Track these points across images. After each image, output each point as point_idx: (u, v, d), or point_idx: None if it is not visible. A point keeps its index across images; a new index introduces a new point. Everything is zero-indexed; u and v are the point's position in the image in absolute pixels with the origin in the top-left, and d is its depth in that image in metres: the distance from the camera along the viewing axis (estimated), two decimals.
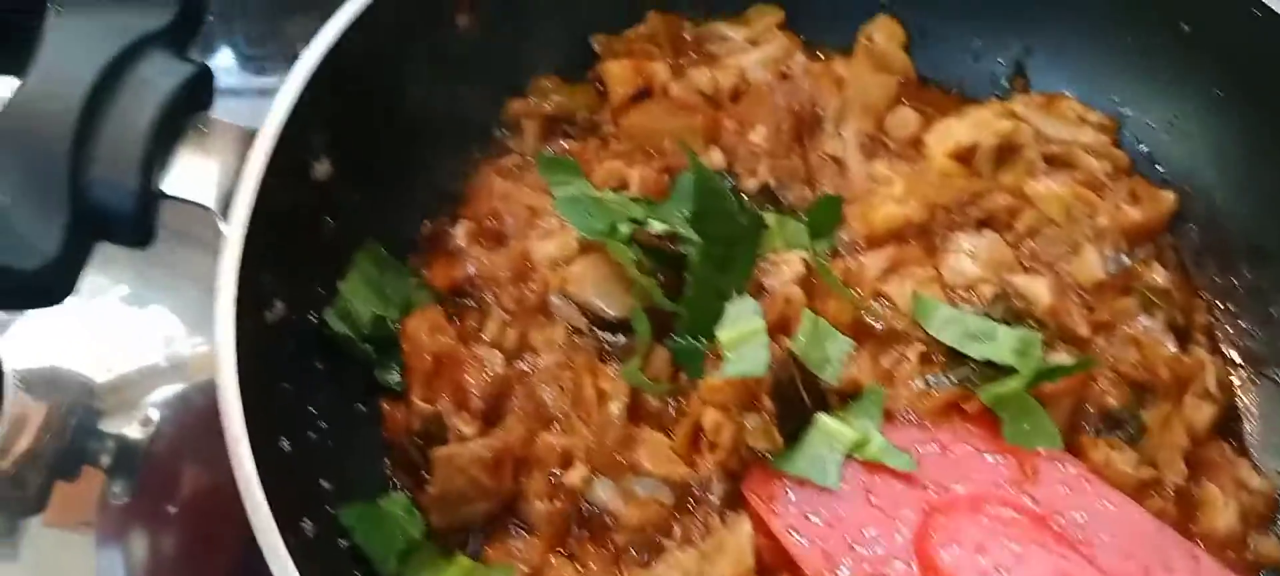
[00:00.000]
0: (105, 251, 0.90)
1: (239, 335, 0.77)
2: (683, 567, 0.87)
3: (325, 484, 0.86)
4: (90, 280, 1.17)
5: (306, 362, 0.90)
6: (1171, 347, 1.00)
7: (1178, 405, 0.98)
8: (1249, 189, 1.08)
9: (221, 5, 1.43)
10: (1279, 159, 1.04)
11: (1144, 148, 1.14)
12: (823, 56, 1.18)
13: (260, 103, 1.27)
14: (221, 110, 1.11)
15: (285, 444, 0.82)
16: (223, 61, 1.40)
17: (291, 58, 0.86)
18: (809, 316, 0.93)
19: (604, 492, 0.91)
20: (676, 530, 0.90)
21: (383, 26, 0.93)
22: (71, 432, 1.12)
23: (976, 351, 0.96)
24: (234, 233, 0.79)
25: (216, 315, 0.77)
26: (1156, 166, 1.13)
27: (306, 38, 0.88)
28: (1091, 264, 1.05)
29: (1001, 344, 0.96)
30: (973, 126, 1.09)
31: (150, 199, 0.79)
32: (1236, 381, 1.05)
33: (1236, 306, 1.08)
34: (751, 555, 0.87)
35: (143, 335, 1.19)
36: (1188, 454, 0.96)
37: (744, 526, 0.88)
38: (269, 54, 1.42)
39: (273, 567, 0.71)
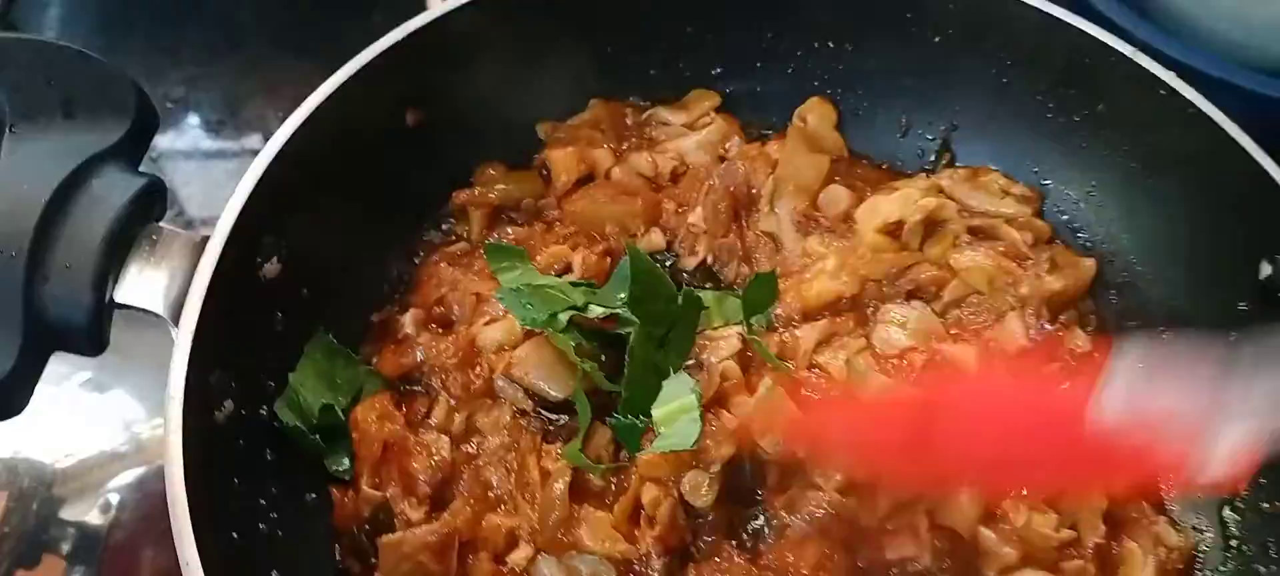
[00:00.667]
0: None
1: (188, 437, 0.80)
2: None
3: (276, 574, 0.89)
4: (50, 367, 1.22)
5: (257, 456, 0.93)
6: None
7: None
8: (1164, 254, 1.13)
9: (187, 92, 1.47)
10: (1190, 225, 1.10)
11: (1065, 217, 1.19)
12: (759, 138, 1.23)
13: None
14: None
15: (236, 536, 0.85)
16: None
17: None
18: (766, 384, 0.97)
19: (548, 570, 0.94)
20: None
21: (332, 126, 0.97)
22: (32, 521, 1.14)
23: None
24: (182, 338, 0.82)
25: (166, 420, 0.80)
26: (1078, 234, 1.19)
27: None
28: (1015, 331, 1.10)
29: None
30: (900, 202, 1.14)
31: (103, 310, 0.82)
32: None
33: None
34: None
35: (102, 420, 1.22)
36: (1107, 514, 1.01)
37: None
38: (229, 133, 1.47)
39: None
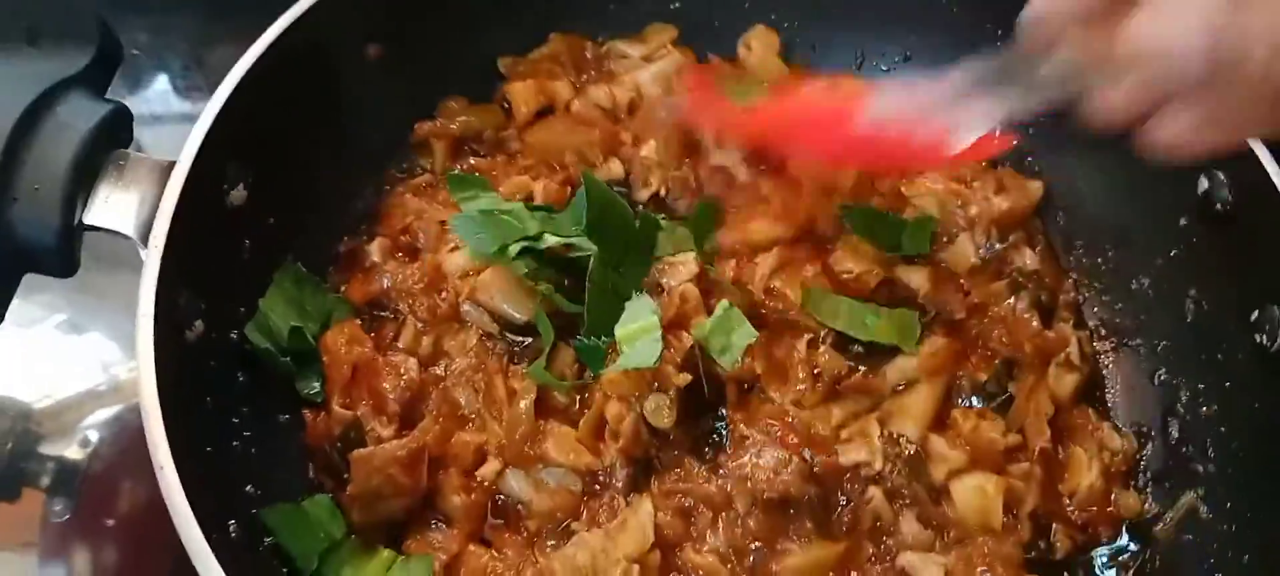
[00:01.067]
0: (41, 282, 0.96)
1: (159, 354, 0.82)
2: (590, 547, 0.93)
3: (250, 489, 0.92)
4: (26, 310, 1.25)
5: (228, 377, 0.96)
6: (1036, 325, 1.09)
7: (1041, 376, 1.07)
8: (1109, 176, 1.17)
9: (151, 39, 1.48)
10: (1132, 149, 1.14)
11: (1014, 143, 1.23)
12: None
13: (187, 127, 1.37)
14: (157, 135, 1.16)
15: (209, 450, 0.88)
16: (159, 87, 1.46)
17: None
18: (723, 305, 1.00)
19: (516, 483, 0.98)
20: (584, 514, 0.97)
21: (295, 59, 0.99)
22: (11, 456, 1.16)
23: (862, 333, 1.05)
24: (151, 258, 0.85)
25: (138, 336, 0.82)
26: (1027, 160, 1.22)
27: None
28: (966, 251, 1.14)
29: (884, 324, 1.05)
30: None
31: (72, 232, 0.85)
32: (1101, 350, 1.14)
33: (1101, 283, 1.16)
34: (652, 532, 0.94)
35: (79, 360, 1.24)
36: (1053, 419, 1.05)
37: (645, 507, 0.95)
38: (197, 84, 1.48)
39: (198, 568, 0.77)
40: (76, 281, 1.23)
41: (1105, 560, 1.02)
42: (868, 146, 1.00)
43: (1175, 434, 1.06)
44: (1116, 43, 0.73)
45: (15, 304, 1.24)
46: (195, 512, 0.78)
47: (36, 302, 1.27)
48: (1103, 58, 0.75)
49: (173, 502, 0.77)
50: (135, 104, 1.35)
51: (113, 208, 0.87)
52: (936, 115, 0.93)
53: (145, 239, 0.86)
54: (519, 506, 0.98)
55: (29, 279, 0.91)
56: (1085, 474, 1.04)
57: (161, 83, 1.47)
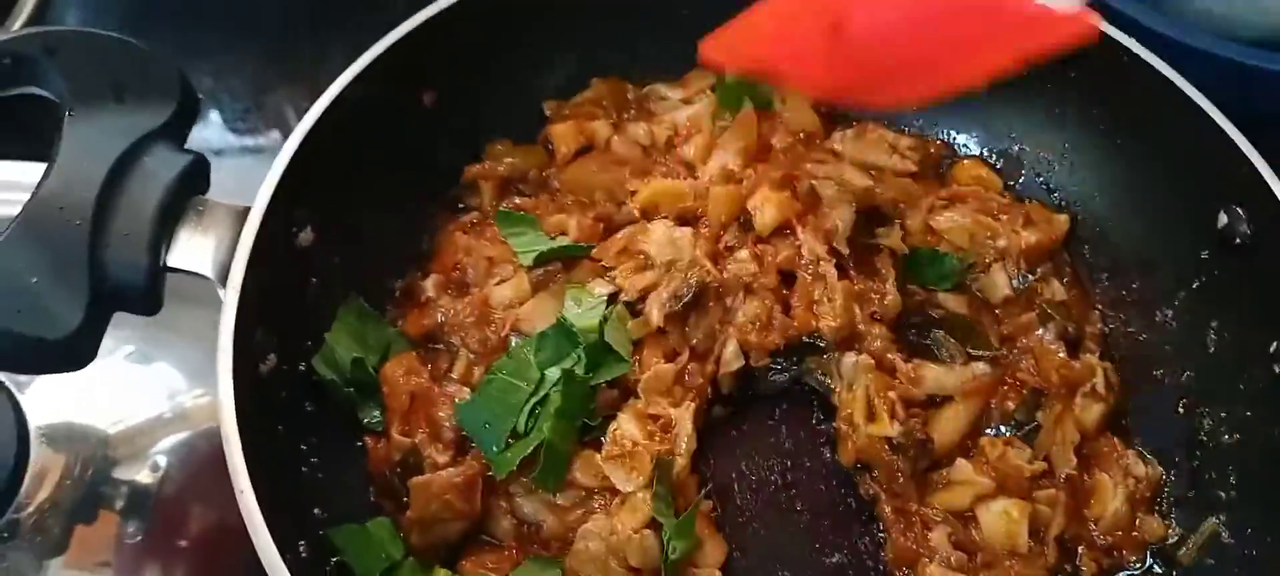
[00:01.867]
0: (114, 315, 1.02)
1: (237, 386, 0.89)
2: (598, 531, 0.99)
3: (318, 511, 0.98)
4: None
5: (298, 407, 1.02)
6: (1062, 355, 1.13)
7: (1068, 405, 1.11)
8: (1134, 208, 1.21)
9: (213, 83, 1.56)
10: (1155, 181, 1.18)
11: (1040, 178, 1.27)
12: None
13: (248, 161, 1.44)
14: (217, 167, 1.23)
15: (280, 477, 0.94)
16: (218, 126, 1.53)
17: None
18: None
19: (529, 506, 1.03)
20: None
21: (356, 109, 1.06)
22: (88, 480, 1.22)
23: None
24: (230, 297, 0.92)
25: (217, 370, 0.89)
26: (1053, 194, 1.27)
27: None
28: (999, 282, 1.19)
29: None
30: None
31: (158, 273, 0.92)
32: (1126, 380, 1.17)
33: (1126, 314, 1.20)
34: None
35: (149, 389, 1.29)
36: (1079, 447, 1.09)
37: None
38: (254, 124, 1.55)
39: None
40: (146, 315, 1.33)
41: None
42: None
43: (1198, 461, 1.09)
44: None
45: None
46: (272, 534, 0.84)
47: (109, 334, 1.33)
48: None
49: (252, 524, 0.83)
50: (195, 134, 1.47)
51: (193, 250, 0.94)
52: None
53: (223, 280, 0.93)
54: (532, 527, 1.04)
55: None
56: (1110, 500, 1.07)
57: (219, 121, 1.54)
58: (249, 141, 1.54)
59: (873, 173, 1.23)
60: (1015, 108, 1.27)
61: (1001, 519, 1.03)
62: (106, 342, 1.32)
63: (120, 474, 1.23)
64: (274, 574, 0.83)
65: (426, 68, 1.16)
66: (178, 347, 1.32)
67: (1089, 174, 1.24)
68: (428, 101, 1.18)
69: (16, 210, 0.90)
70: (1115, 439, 1.12)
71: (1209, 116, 1.08)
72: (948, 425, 1.07)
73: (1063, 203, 1.26)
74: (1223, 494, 1.06)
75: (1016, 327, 1.16)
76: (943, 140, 1.31)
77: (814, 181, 1.15)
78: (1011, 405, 1.11)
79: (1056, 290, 1.20)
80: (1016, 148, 1.28)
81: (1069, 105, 1.23)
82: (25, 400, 1.24)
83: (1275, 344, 1.02)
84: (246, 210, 0.96)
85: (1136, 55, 1.13)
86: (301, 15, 1.62)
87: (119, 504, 1.21)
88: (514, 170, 1.22)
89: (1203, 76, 1.11)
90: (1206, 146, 1.08)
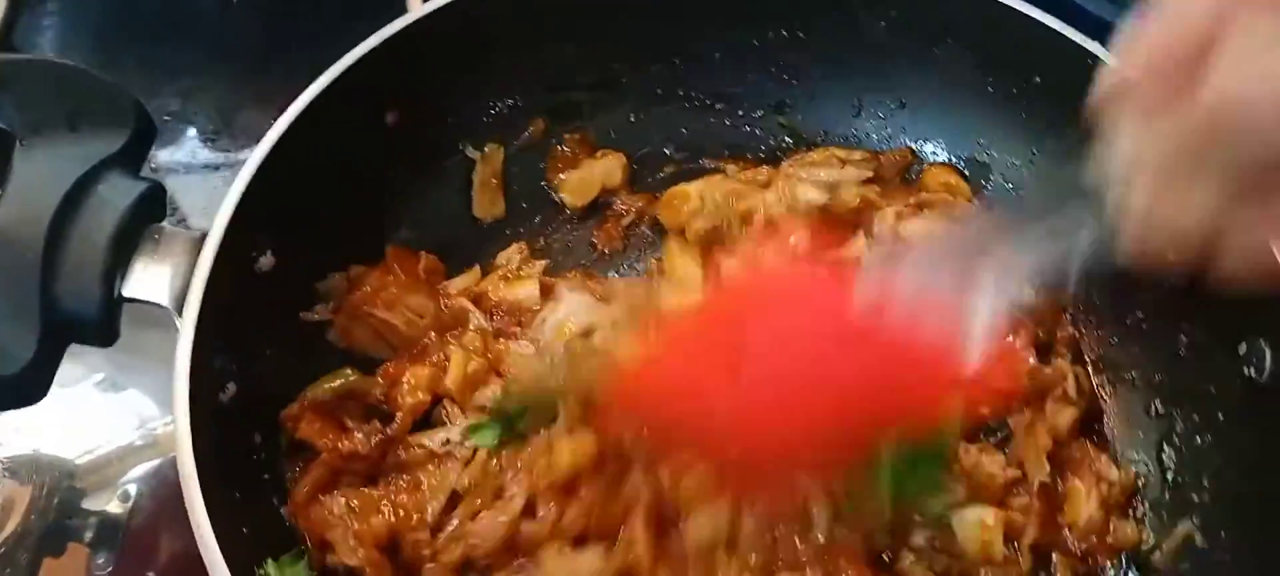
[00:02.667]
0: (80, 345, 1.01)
1: (195, 417, 0.88)
2: None
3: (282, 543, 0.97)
4: (67, 371, 1.27)
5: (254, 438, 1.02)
6: (1033, 361, 1.12)
7: (1039, 411, 1.10)
8: None
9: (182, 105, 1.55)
10: None
11: (1009, 185, 1.27)
12: None
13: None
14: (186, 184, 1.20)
15: (244, 510, 0.93)
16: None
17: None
18: None
19: None
20: None
21: (317, 131, 1.04)
22: (56, 512, 1.21)
23: None
24: (186, 327, 0.90)
25: (174, 401, 0.88)
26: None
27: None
28: None
29: None
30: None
31: (113, 304, 0.91)
32: (1098, 384, 1.17)
33: (1097, 318, 1.20)
34: None
35: (118, 417, 1.29)
36: (1052, 453, 1.08)
37: None
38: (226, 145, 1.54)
39: None
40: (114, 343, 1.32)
41: None
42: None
43: (1171, 465, 1.09)
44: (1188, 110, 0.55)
45: None
46: (230, 567, 0.83)
47: (77, 363, 1.32)
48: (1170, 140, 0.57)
49: (210, 559, 0.82)
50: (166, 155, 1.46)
51: (149, 279, 0.93)
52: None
53: (180, 309, 0.92)
54: None
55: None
56: (1084, 505, 1.07)
57: (194, 136, 1.53)
58: (221, 158, 1.53)
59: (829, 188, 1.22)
60: (982, 114, 1.26)
61: (976, 527, 1.02)
62: (74, 371, 1.33)
63: (89, 504, 1.23)
64: None
65: (389, 85, 1.14)
66: (148, 374, 1.32)
67: (1057, 180, 1.23)
68: (391, 121, 1.16)
69: None
70: (1088, 443, 1.11)
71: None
72: None
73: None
74: (1196, 497, 1.05)
75: None
76: (908, 148, 1.30)
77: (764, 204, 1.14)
78: (983, 412, 1.10)
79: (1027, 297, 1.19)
80: (985, 154, 1.27)
81: (1035, 111, 1.22)
82: None
83: (1243, 347, 1.01)
84: (204, 236, 0.95)
85: (1100, 58, 1.12)
86: (277, 36, 1.62)
87: (88, 535, 1.20)
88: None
89: None
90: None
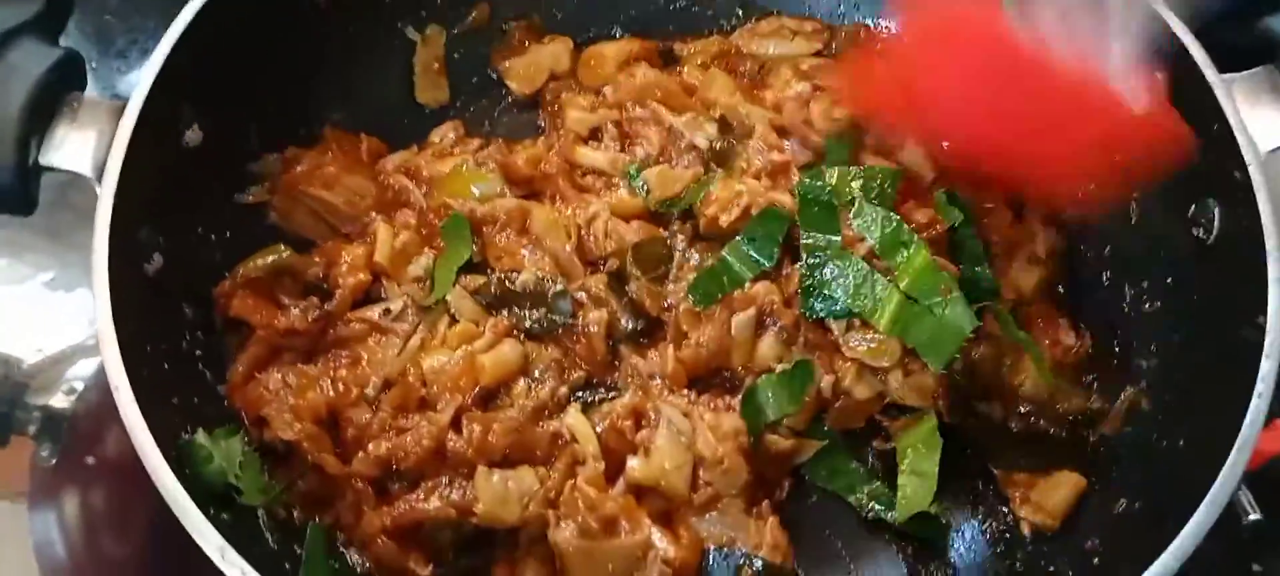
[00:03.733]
0: (26, 240, 0.99)
1: (116, 285, 0.86)
2: None
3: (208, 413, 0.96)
4: (16, 269, 1.29)
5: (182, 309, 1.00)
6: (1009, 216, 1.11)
7: (1008, 266, 1.10)
8: None
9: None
10: None
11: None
12: None
13: None
14: None
15: (168, 379, 0.92)
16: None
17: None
18: None
19: None
20: None
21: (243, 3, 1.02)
22: (2, 405, 1.20)
23: None
24: (105, 192, 0.88)
25: (93, 266, 0.86)
26: None
27: None
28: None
29: None
30: None
31: (27, 171, 0.89)
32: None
33: None
34: None
35: (67, 316, 1.27)
36: (1014, 309, 1.07)
37: None
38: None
39: (156, 483, 0.81)
40: (62, 240, 1.30)
41: None
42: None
43: (1120, 332, 1.08)
44: None
45: (4, 263, 1.30)
46: (153, 433, 0.81)
47: (25, 261, 1.31)
48: None
49: (130, 421, 0.81)
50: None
51: (68, 147, 0.91)
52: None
53: (101, 177, 0.90)
54: None
55: (17, 237, 0.94)
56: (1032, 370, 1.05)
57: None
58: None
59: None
60: None
61: None
62: (23, 270, 1.31)
63: (33, 399, 1.21)
64: (155, 472, 0.81)
65: None
66: None
67: None
68: (322, 2, 1.13)
69: None
70: (1051, 307, 1.10)
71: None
72: None
73: None
74: (1144, 363, 1.04)
75: None
76: (863, 23, 1.27)
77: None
78: None
79: None
80: None
81: None
82: None
83: (1192, 208, 1.00)
84: (124, 104, 0.92)
85: None
86: None
87: (32, 428, 1.19)
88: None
89: None
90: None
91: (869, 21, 1.27)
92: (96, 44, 1.46)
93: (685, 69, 1.21)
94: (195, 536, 0.79)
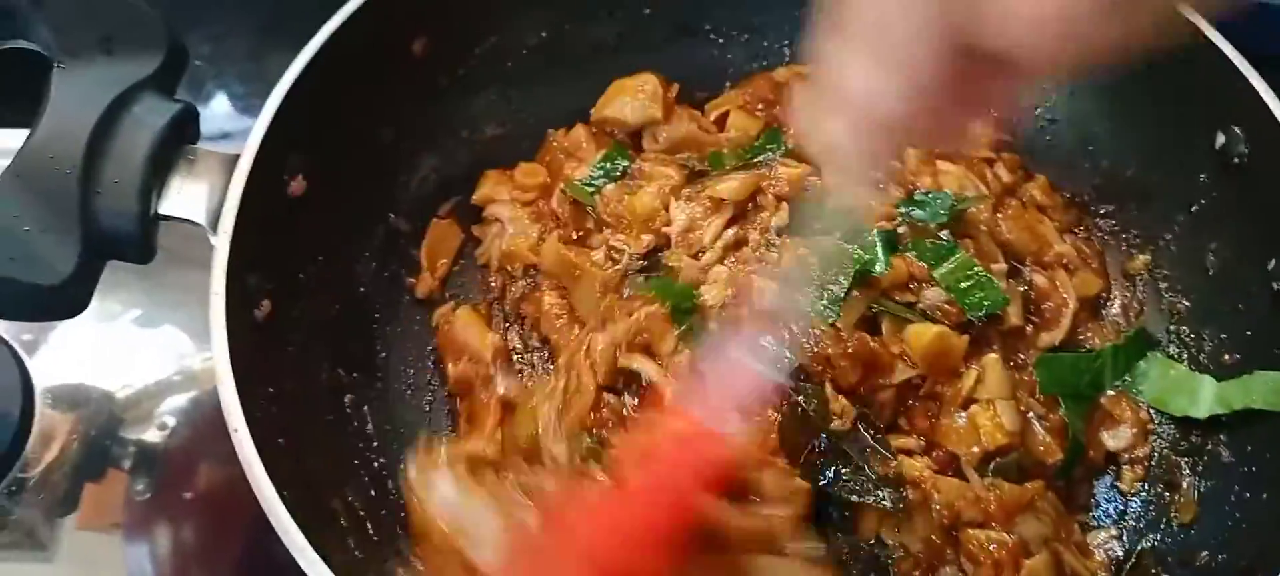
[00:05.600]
0: (118, 278, 1.03)
1: (231, 329, 0.90)
2: None
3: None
4: (106, 305, 1.33)
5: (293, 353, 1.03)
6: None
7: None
8: (1132, 134, 1.20)
9: (211, 51, 1.55)
10: (1154, 104, 1.15)
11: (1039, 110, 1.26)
12: None
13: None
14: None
15: (278, 419, 0.95)
16: (218, 107, 1.53)
17: None
18: None
19: None
20: None
21: (345, 57, 1.06)
22: (94, 440, 1.23)
23: None
24: (221, 243, 0.92)
25: (211, 313, 0.90)
26: (1054, 124, 1.26)
27: None
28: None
29: None
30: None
31: (149, 221, 0.92)
32: None
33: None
34: None
35: (155, 352, 1.31)
36: None
37: None
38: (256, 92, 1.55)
39: (273, 522, 0.84)
40: (151, 278, 1.33)
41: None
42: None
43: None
44: None
45: (95, 300, 1.32)
46: (269, 474, 0.85)
47: (115, 298, 1.35)
48: None
49: (247, 461, 0.84)
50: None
51: (185, 198, 0.95)
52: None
53: (215, 226, 0.94)
54: None
55: (109, 276, 0.98)
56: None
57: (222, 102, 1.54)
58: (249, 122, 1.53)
59: None
60: None
61: None
62: (113, 306, 1.35)
63: (127, 433, 1.25)
64: (272, 511, 0.84)
65: (416, 14, 1.15)
66: (184, 310, 1.34)
67: (1091, 103, 1.23)
68: (418, 50, 1.17)
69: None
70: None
71: (1204, 34, 1.06)
72: None
73: (1050, 138, 1.25)
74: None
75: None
76: None
77: None
78: None
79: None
80: None
81: None
82: (32, 363, 1.26)
83: (1273, 262, 1.01)
84: (236, 157, 0.96)
85: None
86: None
87: (127, 463, 1.23)
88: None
89: None
90: (1204, 64, 1.06)
91: None
92: (186, 90, 1.51)
93: None
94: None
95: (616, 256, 1.10)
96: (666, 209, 1.12)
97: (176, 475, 1.23)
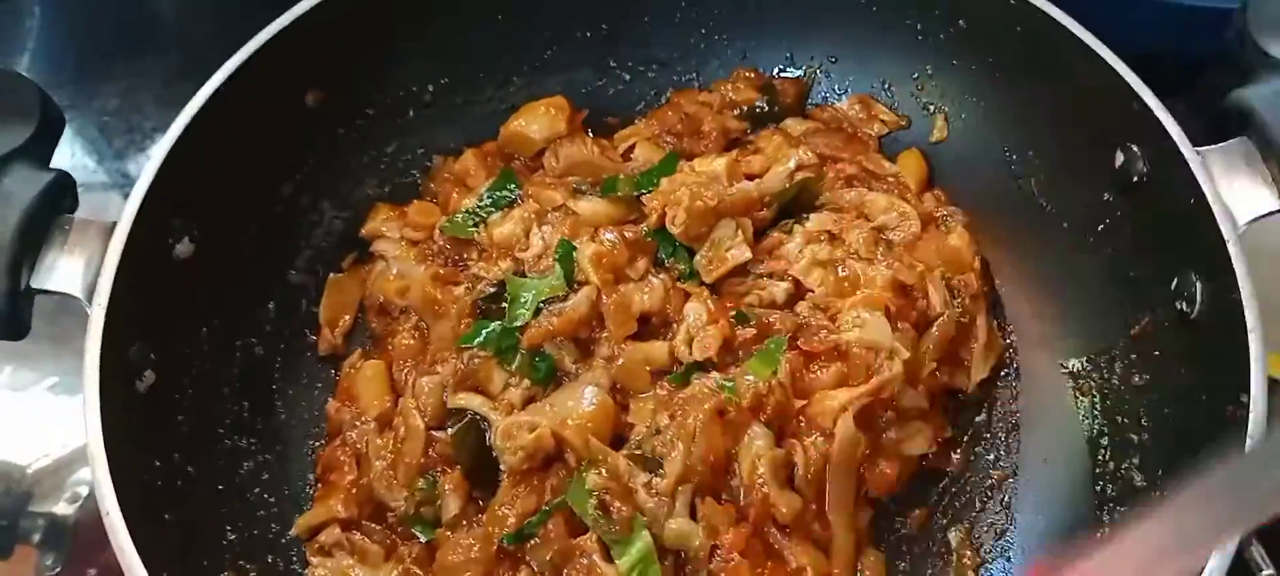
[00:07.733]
0: (31, 348, 1.00)
1: (105, 405, 0.87)
2: None
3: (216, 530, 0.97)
4: (20, 375, 1.30)
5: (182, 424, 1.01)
6: None
7: None
8: (1036, 156, 1.19)
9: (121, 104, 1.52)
10: (1053, 124, 1.15)
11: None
12: None
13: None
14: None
15: (162, 497, 0.93)
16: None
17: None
18: None
19: None
20: None
21: (232, 112, 1.03)
22: (4, 514, 1.21)
23: None
24: (96, 314, 0.90)
25: (84, 388, 0.87)
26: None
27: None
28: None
29: None
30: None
31: (19, 297, 0.90)
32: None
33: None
34: None
35: (71, 420, 1.28)
36: None
37: None
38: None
39: None
40: (66, 346, 1.31)
41: None
42: None
43: (1109, 403, 1.08)
44: None
45: (9, 369, 1.31)
46: (143, 558, 0.82)
47: (29, 367, 1.32)
48: None
49: (119, 544, 0.81)
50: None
51: (59, 271, 0.92)
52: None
53: (92, 299, 0.91)
54: None
55: (20, 345, 0.96)
56: None
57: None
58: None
59: None
60: (913, 60, 1.25)
61: None
62: (27, 376, 1.32)
63: (37, 506, 1.22)
64: None
65: (309, 63, 1.12)
66: None
67: (994, 126, 1.22)
68: (311, 101, 1.15)
69: None
70: None
71: (1097, 53, 1.05)
72: None
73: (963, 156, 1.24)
74: (1135, 437, 1.04)
75: None
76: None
77: None
78: None
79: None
80: (922, 103, 1.26)
81: (964, 56, 1.21)
82: None
83: (1175, 281, 1.00)
84: (114, 225, 0.94)
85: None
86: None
87: (36, 537, 1.20)
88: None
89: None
90: (1100, 86, 1.05)
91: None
92: (96, 146, 1.49)
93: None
94: None
95: (472, 284, 1.08)
96: (527, 235, 1.10)
97: (88, 548, 1.20)
